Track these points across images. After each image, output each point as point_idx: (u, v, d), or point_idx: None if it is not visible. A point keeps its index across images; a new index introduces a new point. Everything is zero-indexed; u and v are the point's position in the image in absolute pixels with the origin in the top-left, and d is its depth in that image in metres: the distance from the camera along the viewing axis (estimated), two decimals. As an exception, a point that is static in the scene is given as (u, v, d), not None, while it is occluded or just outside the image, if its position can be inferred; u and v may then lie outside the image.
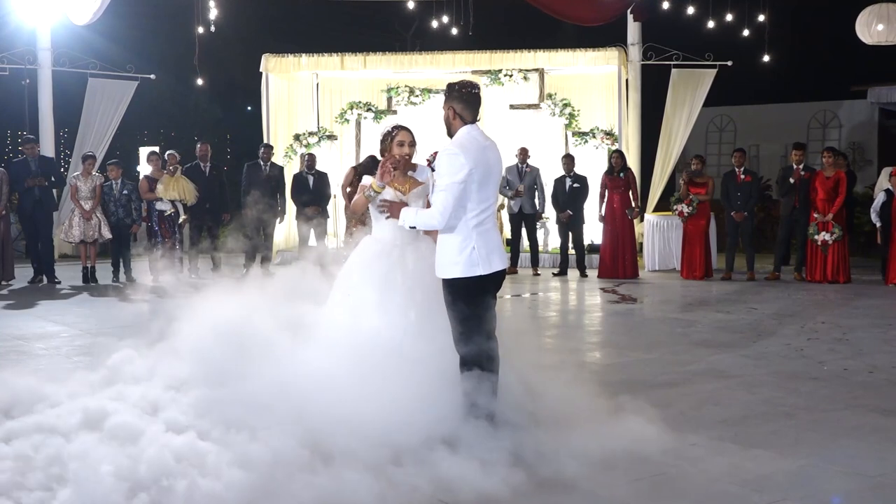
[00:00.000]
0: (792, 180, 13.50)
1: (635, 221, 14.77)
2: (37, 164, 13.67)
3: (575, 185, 14.58)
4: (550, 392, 5.31)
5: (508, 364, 5.13)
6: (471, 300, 4.92)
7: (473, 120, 5.10)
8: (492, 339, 4.98)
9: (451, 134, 5.13)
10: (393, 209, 5.14)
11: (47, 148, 16.38)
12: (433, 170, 5.15)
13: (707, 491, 4.38)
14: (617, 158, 14.50)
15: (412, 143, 5.46)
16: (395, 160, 5.29)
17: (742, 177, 13.90)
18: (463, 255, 4.92)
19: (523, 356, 5.50)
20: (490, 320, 5.01)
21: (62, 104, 17.84)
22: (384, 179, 5.23)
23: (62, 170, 18.22)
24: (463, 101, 5.09)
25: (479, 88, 5.20)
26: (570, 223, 14.61)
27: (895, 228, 12.72)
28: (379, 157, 5.55)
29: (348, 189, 13.28)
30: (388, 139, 5.49)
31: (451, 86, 5.16)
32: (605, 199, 14.42)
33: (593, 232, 15.45)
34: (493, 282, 5.04)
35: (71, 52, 17.44)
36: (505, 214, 15.27)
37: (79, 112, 17.45)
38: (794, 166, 13.59)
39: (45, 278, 13.57)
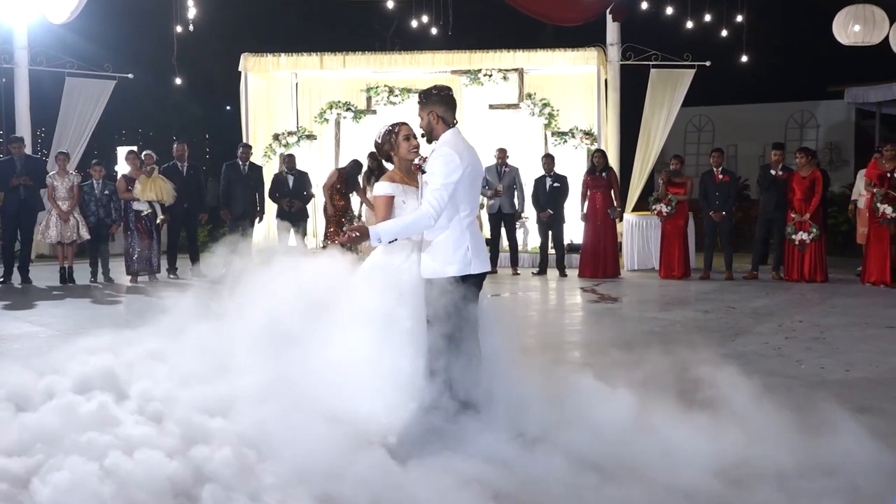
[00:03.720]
0: (774, 172, 13.58)
1: (615, 221, 14.83)
2: (22, 164, 13.56)
3: (555, 184, 14.61)
4: (531, 391, 5.32)
5: (489, 365, 5.15)
6: (461, 300, 4.96)
7: (454, 122, 5.14)
8: (474, 340, 5.02)
9: (431, 139, 5.15)
10: (358, 239, 5.01)
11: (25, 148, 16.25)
12: (423, 172, 5.13)
13: (684, 489, 4.40)
14: (599, 158, 14.54)
15: (416, 136, 5.37)
16: (352, 238, 5.04)
17: (720, 177, 13.98)
18: (458, 255, 4.98)
19: (502, 356, 5.50)
20: (474, 321, 5.04)
21: (39, 103, 17.71)
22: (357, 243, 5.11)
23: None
24: (444, 104, 5.13)
25: (452, 90, 5.26)
26: (551, 222, 14.65)
27: (872, 229, 12.81)
28: (365, 161, 5.53)
29: (336, 188, 13.21)
30: (392, 137, 5.35)
31: (428, 92, 5.18)
32: (587, 199, 14.46)
33: (573, 231, 15.50)
34: (481, 281, 5.13)
35: (48, 50, 17.32)
36: (484, 214, 15.28)
37: (56, 111, 17.33)
38: (772, 169, 13.68)
39: (20, 277, 13.45)
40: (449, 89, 5.22)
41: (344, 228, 5.09)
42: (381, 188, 5.27)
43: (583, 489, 4.40)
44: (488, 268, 5.19)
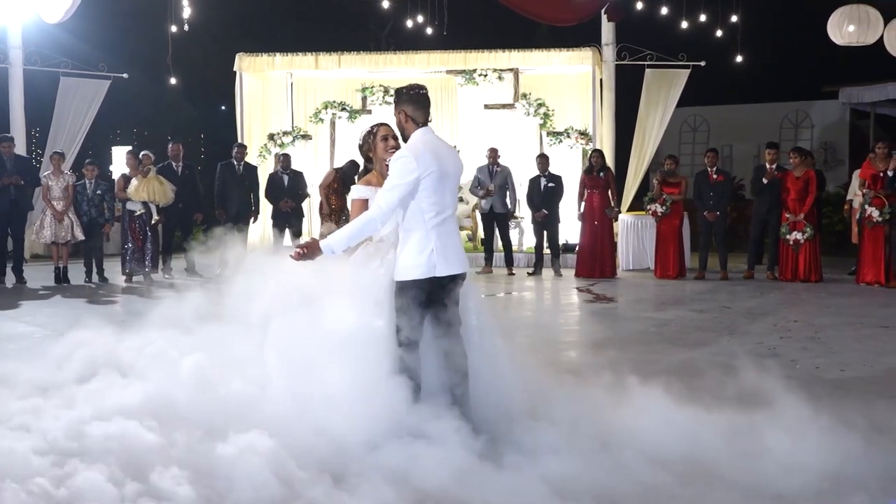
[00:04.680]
0: (765, 180, 13.61)
1: (613, 221, 14.83)
2: (12, 163, 13.50)
3: (550, 184, 14.61)
4: (525, 392, 5.32)
5: (487, 363, 5.16)
6: (427, 302, 4.93)
7: (425, 122, 5.10)
8: (451, 343, 4.99)
9: (405, 138, 5.14)
10: (309, 255, 4.94)
11: (19, 148, 16.14)
12: None
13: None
14: (597, 157, 14.52)
15: (395, 136, 5.37)
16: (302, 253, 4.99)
17: (715, 177, 13.99)
18: (422, 258, 4.90)
19: (499, 356, 5.50)
20: (448, 324, 5.00)
21: (34, 103, 17.63)
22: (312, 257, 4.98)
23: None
24: (413, 103, 5.08)
25: (426, 90, 5.19)
26: (546, 222, 14.64)
27: (866, 229, 12.82)
28: (361, 160, 5.50)
29: (333, 188, 13.17)
30: (370, 137, 5.43)
31: (399, 91, 5.18)
32: (585, 198, 14.45)
33: (568, 231, 15.50)
34: (453, 284, 5.03)
35: (42, 50, 17.26)
36: (477, 214, 15.31)
37: (50, 111, 17.28)
38: (768, 166, 13.69)
39: (14, 278, 13.42)
40: (420, 88, 5.16)
41: (295, 247, 5.02)
42: (356, 192, 5.30)
43: (670, 487, 4.38)
44: (459, 270, 5.03)
